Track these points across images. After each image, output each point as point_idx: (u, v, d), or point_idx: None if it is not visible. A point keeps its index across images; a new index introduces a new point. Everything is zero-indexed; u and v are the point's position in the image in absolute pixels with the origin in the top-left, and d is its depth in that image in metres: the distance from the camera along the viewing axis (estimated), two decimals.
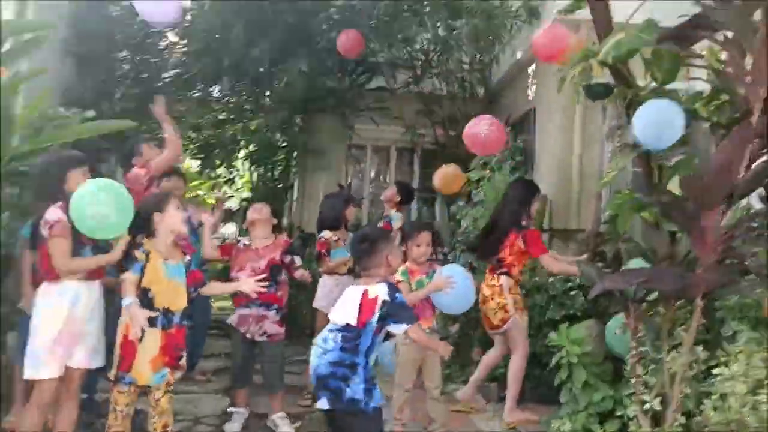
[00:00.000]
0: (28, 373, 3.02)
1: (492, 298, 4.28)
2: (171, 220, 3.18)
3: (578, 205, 6.11)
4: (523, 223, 4.37)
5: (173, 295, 3.13)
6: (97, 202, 2.93)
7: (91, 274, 3.14)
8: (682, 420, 2.76)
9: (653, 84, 4.34)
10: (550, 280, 4.71)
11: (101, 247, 3.16)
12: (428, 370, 3.69)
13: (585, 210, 6.00)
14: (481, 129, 4.98)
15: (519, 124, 7.48)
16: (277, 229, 8.04)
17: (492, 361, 4.52)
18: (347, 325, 2.77)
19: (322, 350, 2.80)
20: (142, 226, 3.17)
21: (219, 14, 6.76)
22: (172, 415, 3.18)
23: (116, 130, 4.59)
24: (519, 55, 7.29)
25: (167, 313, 3.10)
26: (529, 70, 7.21)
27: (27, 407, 3.10)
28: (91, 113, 5.47)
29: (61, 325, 2.99)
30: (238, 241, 4.31)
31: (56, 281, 3.06)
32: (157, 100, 4.27)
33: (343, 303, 2.88)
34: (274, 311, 4.05)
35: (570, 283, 4.59)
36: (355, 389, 2.70)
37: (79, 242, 3.09)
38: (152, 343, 3.02)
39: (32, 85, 4.98)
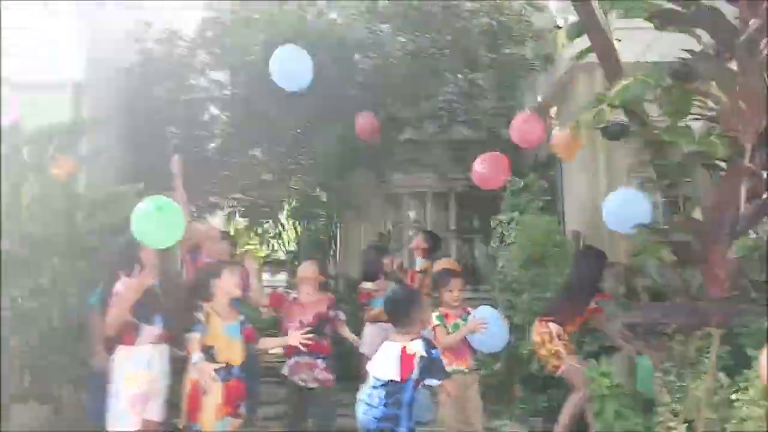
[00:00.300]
0: (113, 427, 3.41)
1: (543, 345, 4.42)
2: (227, 285, 3.57)
3: (610, 239, 6.28)
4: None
5: (231, 351, 3.48)
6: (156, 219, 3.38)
7: (160, 339, 3.53)
8: None
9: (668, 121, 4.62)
10: None
11: (169, 315, 3.56)
12: (469, 407, 3.93)
13: (617, 243, 6.19)
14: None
15: (546, 164, 7.75)
16: (324, 280, 8.47)
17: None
18: (390, 381, 3.01)
19: (368, 406, 3.05)
20: (201, 292, 3.59)
21: (256, 87, 7.27)
22: None
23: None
24: (540, 98, 7.63)
25: (227, 367, 3.46)
26: (551, 112, 7.51)
27: None
28: (140, 185, 5.99)
29: (140, 386, 3.36)
30: (288, 293, 4.66)
31: (131, 345, 3.45)
32: (174, 158, 4.66)
33: (382, 359, 3.12)
34: (322, 359, 4.37)
35: None
36: None
37: (150, 311, 3.48)
38: (216, 395, 3.37)
39: (94, 166, 5.53)
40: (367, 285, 5.30)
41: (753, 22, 3.06)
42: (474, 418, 3.98)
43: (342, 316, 4.55)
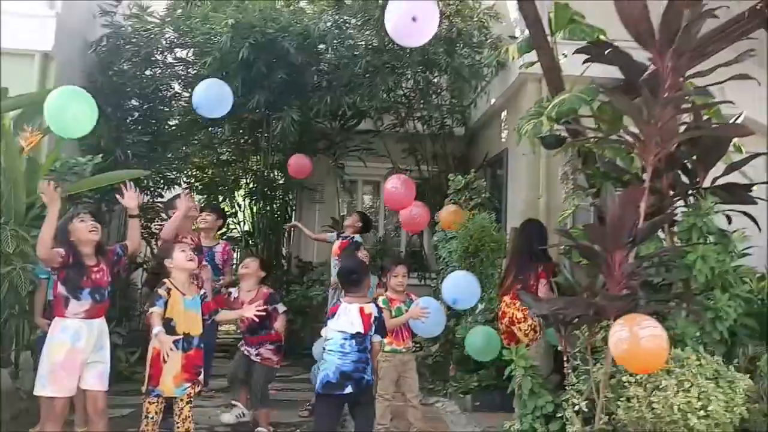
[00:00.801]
0: (36, 391, 3.61)
1: (525, 320, 4.75)
2: (178, 262, 3.88)
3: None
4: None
5: (191, 323, 3.81)
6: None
7: (90, 314, 3.63)
8: (605, 419, 3.45)
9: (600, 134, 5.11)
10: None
11: (98, 289, 3.69)
12: (406, 383, 4.38)
13: (552, 240, 6.72)
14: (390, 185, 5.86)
15: (495, 162, 8.24)
16: (276, 261, 8.75)
17: None
18: (357, 333, 3.74)
19: (343, 353, 3.72)
20: (159, 271, 3.91)
21: (221, 68, 7.49)
22: (192, 423, 3.86)
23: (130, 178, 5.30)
24: (493, 101, 8.09)
25: (187, 337, 3.77)
26: (502, 115, 8.00)
27: (42, 422, 3.75)
28: (98, 159, 6.15)
29: (62, 356, 3.54)
30: (230, 294, 4.92)
31: (62, 318, 3.61)
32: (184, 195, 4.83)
33: (346, 317, 3.79)
34: (270, 343, 4.79)
35: None
36: (368, 375, 3.75)
37: (79, 286, 3.62)
38: (175, 362, 3.69)
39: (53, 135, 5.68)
40: None
41: (651, 68, 3.57)
42: (410, 394, 4.42)
43: (281, 308, 4.86)
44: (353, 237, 6.42)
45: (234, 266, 6.31)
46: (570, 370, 3.66)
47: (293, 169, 7.43)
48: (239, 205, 9.57)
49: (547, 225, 6.76)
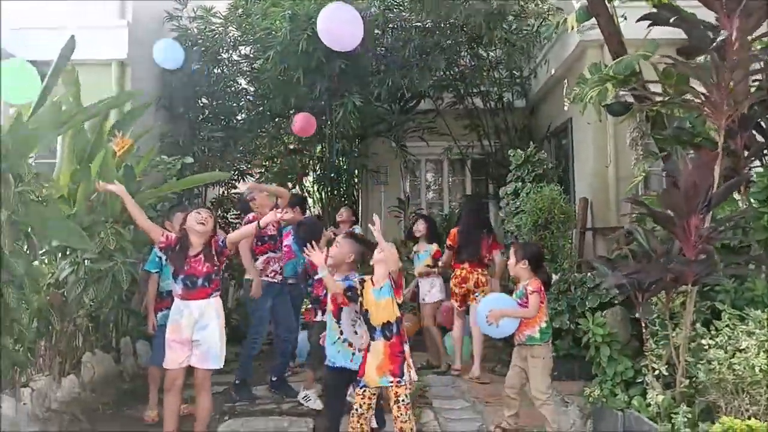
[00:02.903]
0: (155, 362, 4.10)
1: (485, 284, 5.73)
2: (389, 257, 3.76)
3: (617, 206, 6.79)
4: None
5: (387, 311, 3.63)
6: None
7: (184, 296, 3.92)
8: (686, 382, 3.50)
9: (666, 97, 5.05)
10: (588, 275, 5.43)
11: (190, 277, 3.94)
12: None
13: (622, 209, 6.69)
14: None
15: (559, 132, 8.19)
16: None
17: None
18: None
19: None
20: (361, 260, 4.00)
21: (282, 61, 7.74)
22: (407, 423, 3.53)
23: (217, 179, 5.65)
24: (553, 70, 8.02)
25: (387, 325, 3.61)
26: (564, 84, 7.91)
27: (165, 393, 3.99)
28: (189, 160, 6.59)
29: (169, 333, 3.92)
30: None
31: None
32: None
33: None
34: None
35: None
36: None
37: (175, 272, 3.95)
38: (378, 352, 3.60)
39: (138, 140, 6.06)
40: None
41: (722, 32, 3.51)
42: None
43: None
44: (353, 230, 6.59)
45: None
46: (648, 336, 3.71)
47: (298, 127, 7.14)
48: (308, 191, 9.86)
49: (618, 190, 6.78)
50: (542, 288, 3.93)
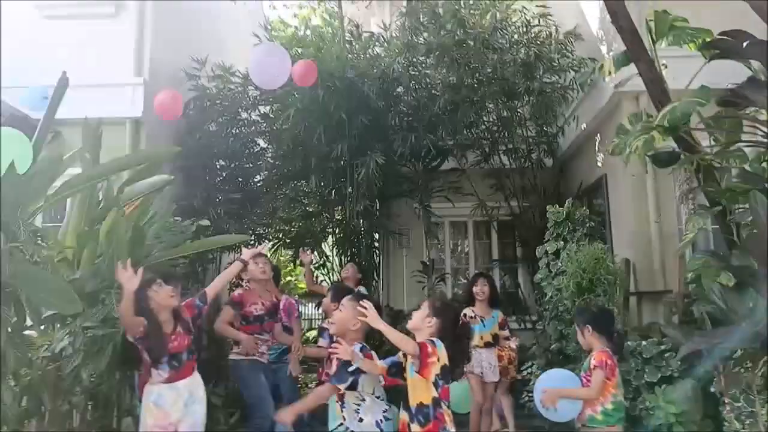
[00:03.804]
0: None
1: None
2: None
3: (662, 266, 6.25)
4: None
5: (417, 392, 3.15)
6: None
7: (170, 379, 3.67)
8: None
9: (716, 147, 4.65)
10: (643, 343, 4.86)
11: (176, 356, 3.70)
12: None
13: (669, 271, 6.15)
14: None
15: (591, 190, 7.76)
16: None
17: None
18: None
19: None
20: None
21: (303, 120, 7.51)
22: None
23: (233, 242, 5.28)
24: (583, 126, 7.67)
25: (421, 407, 3.11)
26: (596, 139, 7.56)
27: None
28: (205, 222, 6.24)
29: (150, 420, 3.61)
30: None
31: (150, 384, 3.71)
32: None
33: None
34: None
35: (663, 346, 4.72)
36: None
37: (157, 356, 3.66)
38: None
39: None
40: (467, 311, 5.47)
41: None
42: None
43: None
44: (358, 289, 6.05)
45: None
46: (731, 414, 3.14)
47: (298, 74, 6.14)
48: (327, 256, 9.44)
49: (663, 249, 6.26)
50: (609, 360, 3.38)
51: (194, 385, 3.79)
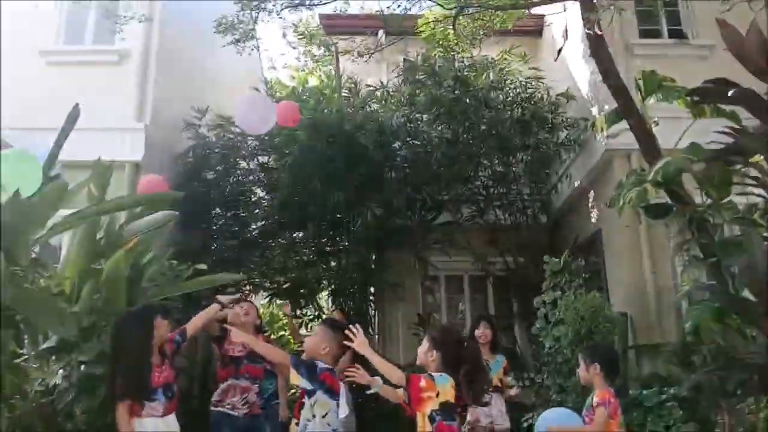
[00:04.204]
0: None
1: None
2: None
3: (659, 319, 6.27)
4: None
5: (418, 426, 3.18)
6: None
7: (166, 411, 3.62)
8: None
9: (708, 200, 4.77)
10: (644, 392, 4.81)
11: (169, 386, 3.68)
12: None
13: (665, 323, 6.17)
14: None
15: (587, 246, 7.84)
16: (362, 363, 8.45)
17: None
18: None
19: None
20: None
21: (300, 169, 7.62)
22: None
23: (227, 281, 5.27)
24: (576, 183, 7.84)
25: None
26: (589, 196, 7.70)
27: None
28: (202, 266, 6.23)
29: None
30: None
31: (140, 417, 3.55)
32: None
33: None
34: None
35: (664, 395, 4.67)
36: None
37: (152, 387, 3.59)
38: None
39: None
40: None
41: None
42: None
43: None
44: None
45: None
46: None
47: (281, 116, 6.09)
48: (321, 308, 9.37)
49: (659, 302, 6.29)
50: (612, 399, 3.35)
51: (174, 419, 3.71)
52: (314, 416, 3.34)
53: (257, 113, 5.67)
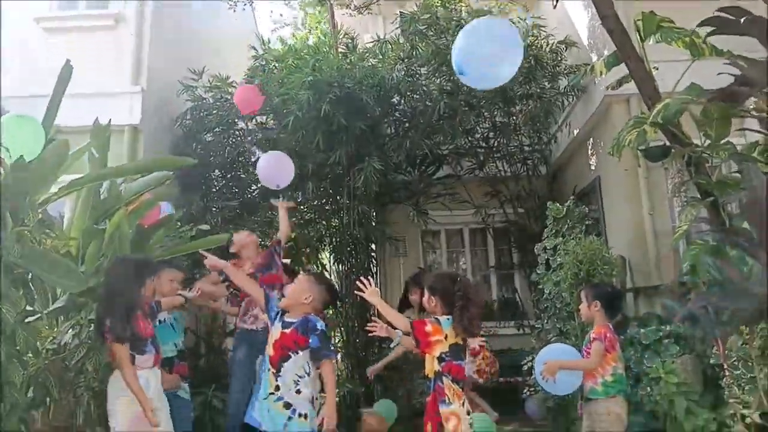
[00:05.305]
0: None
1: None
2: None
3: (657, 263, 6.35)
4: None
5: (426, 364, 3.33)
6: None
7: (154, 364, 3.73)
8: None
9: (707, 141, 4.80)
10: (642, 331, 4.92)
11: (153, 339, 3.77)
12: None
13: (663, 265, 6.25)
14: None
15: (585, 194, 7.88)
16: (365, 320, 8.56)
17: None
18: None
19: None
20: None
21: (299, 128, 7.60)
22: None
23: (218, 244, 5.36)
24: (576, 132, 7.83)
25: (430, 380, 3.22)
26: (588, 144, 7.71)
27: None
28: (205, 227, 6.30)
29: (135, 407, 3.49)
30: None
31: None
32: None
33: None
34: None
35: (661, 332, 4.79)
36: None
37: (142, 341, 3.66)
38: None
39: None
40: None
41: None
42: None
43: None
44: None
45: None
46: (731, 381, 3.21)
47: (238, 98, 6.62)
48: (323, 266, 9.47)
49: (657, 245, 6.36)
50: (609, 334, 3.44)
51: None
52: (308, 373, 3.31)
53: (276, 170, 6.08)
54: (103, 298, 3.69)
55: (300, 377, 3.26)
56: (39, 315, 4.09)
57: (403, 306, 5.62)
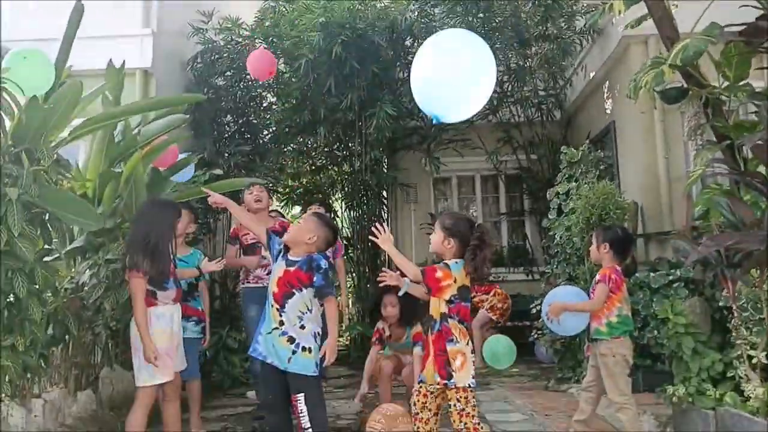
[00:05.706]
0: (143, 381, 3.52)
1: None
2: None
3: (670, 208, 6.32)
4: None
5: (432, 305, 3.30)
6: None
7: (175, 299, 3.73)
8: None
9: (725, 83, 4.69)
10: (651, 275, 4.95)
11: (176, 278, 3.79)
12: None
13: (676, 211, 6.21)
14: None
15: (600, 139, 7.79)
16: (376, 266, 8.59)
17: None
18: None
19: None
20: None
21: (311, 72, 7.52)
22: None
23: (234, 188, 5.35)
24: (592, 74, 7.68)
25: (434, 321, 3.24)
26: (604, 87, 7.57)
27: (134, 410, 3.53)
28: (219, 171, 6.32)
29: (165, 342, 3.56)
30: None
31: (156, 306, 3.61)
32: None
33: None
34: None
35: (671, 277, 4.82)
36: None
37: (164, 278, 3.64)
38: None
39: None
40: None
41: None
42: None
43: None
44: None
45: None
46: (739, 323, 3.24)
47: (251, 66, 6.15)
48: (335, 212, 9.52)
49: (670, 191, 6.32)
50: (614, 275, 3.46)
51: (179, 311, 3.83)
52: (310, 310, 3.36)
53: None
54: (132, 235, 3.69)
55: (303, 313, 3.31)
56: (57, 255, 4.18)
57: None
